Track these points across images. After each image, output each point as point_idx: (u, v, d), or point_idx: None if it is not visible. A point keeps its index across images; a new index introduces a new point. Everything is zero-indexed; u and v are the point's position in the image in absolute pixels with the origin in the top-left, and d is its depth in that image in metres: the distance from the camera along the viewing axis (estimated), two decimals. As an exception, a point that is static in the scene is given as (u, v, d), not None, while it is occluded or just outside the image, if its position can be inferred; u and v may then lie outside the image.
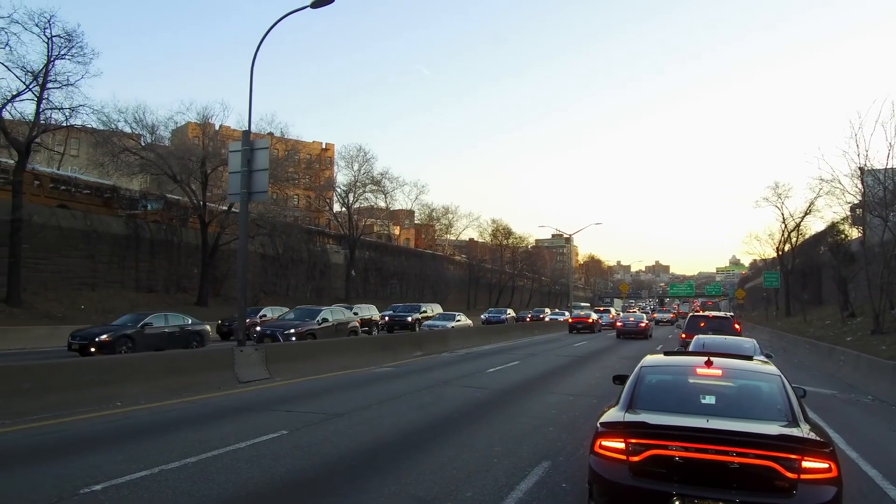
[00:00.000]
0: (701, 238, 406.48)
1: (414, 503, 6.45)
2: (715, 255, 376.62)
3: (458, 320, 37.17)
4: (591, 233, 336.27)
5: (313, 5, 17.85)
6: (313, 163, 70.73)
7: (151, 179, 46.80)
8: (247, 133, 17.58)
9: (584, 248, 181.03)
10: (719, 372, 6.38)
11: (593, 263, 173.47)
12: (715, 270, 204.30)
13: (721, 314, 29.62)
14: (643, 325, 40.15)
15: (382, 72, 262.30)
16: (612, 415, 5.64)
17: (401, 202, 72.79)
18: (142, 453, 8.15)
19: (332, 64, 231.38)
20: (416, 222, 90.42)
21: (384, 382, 16.15)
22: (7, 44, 29.76)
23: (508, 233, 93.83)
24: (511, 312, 54.32)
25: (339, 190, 63.95)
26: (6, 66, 30.38)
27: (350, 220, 61.71)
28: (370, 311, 35.99)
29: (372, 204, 65.65)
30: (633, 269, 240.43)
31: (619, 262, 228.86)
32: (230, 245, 42.47)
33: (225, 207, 42.27)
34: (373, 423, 10.68)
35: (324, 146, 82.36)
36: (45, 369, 11.78)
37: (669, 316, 76.70)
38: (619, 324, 41.58)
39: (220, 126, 48.36)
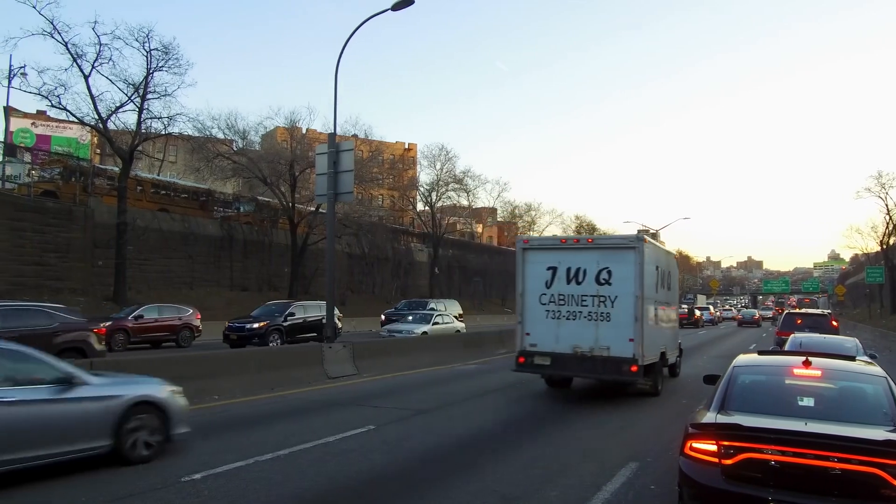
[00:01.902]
0: (796, 232, 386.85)
1: (498, 501, 6.48)
2: (812, 249, 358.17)
3: (437, 323, 27.53)
4: (679, 228, 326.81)
5: (394, 8, 18.15)
6: (396, 163, 71.71)
7: (243, 183, 48.71)
8: (332, 136, 18.08)
9: (672, 244, 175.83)
10: (818, 373, 6.10)
11: (681, 259, 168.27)
12: (812, 266, 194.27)
13: (817, 311, 28.49)
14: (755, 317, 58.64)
15: (462, 70, 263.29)
16: (704, 416, 5.48)
17: (483, 200, 72.84)
18: (238, 444, 8.54)
19: (412, 64, 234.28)
20: (498, 220, 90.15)
21: (468, 380, 16.26)
22: (110, 58, 31.69)
23: (592, 228, 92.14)
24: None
25: (422, 189, 64.64)
26: (110, 80, 32.40)
27: (433, 219, 62.28)
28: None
29: (454, 202, 66.01)
30: (724, 265, 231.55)
31: (708, 258, 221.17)
32: (318, 245, 43.62)
33: (313, 208, 43.37)
34: (457, 420, 10.78)
35: (406, 146, 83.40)
36: (146, 365, 12.52)
37: (770, 314, 76.91)
38: (738, 316, 60.72)
39: (307, 130, 49.69)
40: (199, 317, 25.98)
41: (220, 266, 41.66)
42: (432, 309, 32.84)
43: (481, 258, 74.38)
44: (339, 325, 26.47)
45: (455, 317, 32.57)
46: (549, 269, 13.28)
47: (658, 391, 13.76)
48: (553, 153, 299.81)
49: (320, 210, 40.41)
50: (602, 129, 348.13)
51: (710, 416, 5.40)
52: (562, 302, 13.06)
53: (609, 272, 12.65)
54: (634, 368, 12.10)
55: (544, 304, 13.27)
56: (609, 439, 9.38)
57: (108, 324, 21.64)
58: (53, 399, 6.80)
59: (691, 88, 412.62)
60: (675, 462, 5.85)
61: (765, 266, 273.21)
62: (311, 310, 25.50)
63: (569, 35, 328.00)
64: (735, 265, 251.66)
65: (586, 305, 12.81)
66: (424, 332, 25.07)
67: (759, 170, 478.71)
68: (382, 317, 35.08)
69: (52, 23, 29.54)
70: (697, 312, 52.61)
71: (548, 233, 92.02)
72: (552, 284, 13.18)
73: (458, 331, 28.78)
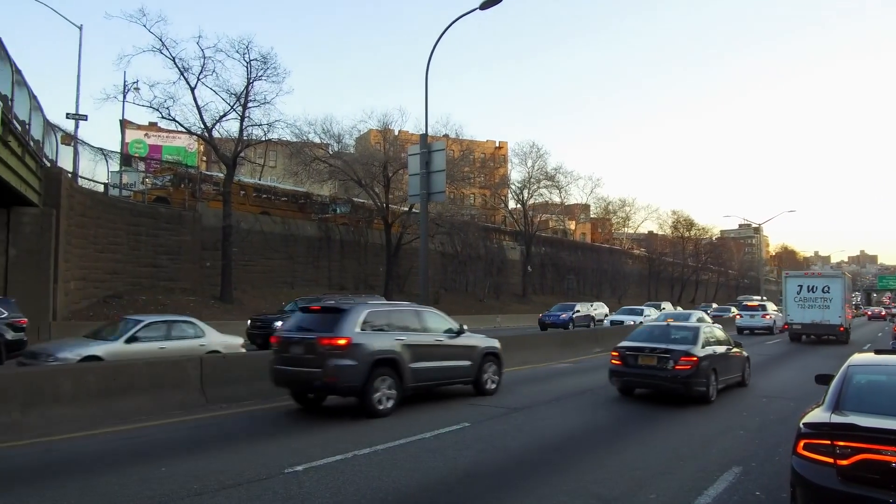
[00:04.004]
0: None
1: (595, 502, 6.42)
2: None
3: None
4: (784, 222, 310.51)
5: (482, 7, 18.16)
6: (487, 161, 71.77)
7: (339, 185, 50.09)
8: (424, 137, 18.31)
9: (776, 239, 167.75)
10: None
11: (786, 254, 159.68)
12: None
13: None
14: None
15: (551, 66, 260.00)
16: (817, 415, 5.28)
17: (575, 196, 71.84)
18: (337, 439, 8.82)
19: (502, 62, 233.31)
20: (591, 216, 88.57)
21: (563, 378, 16.10)
22: (214, 70, 33.36)
23: (690, 224, 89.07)
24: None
25: (513, 187, 64.44)
26: (214, 91, 34.22)
27: (525, 217, 61.97)
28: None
29: (546, 199, 65.43)
30: (833, 259, 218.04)
31: (816, 253, 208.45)
32: (412, 244, 44.26)
33: (406, 208, 44.08)
34: (551, 419, 10.71)
35: (497, 144, 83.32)
36: (254, 359, 13.14)
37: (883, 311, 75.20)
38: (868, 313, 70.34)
39: (399, 131, 50.54)
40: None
41: (318, 266, 43.06)
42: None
43: (574, 255, 73.31)
44: None
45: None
46: (798, 285, 30.39)
47: (849, 340, 29.65)
48: (649, 147, 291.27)
49: (413, 210, 41.03)
50: (700, 122, 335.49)
51: (823, 416, 5.19)
52: (805, 299, 29.88)
53: (828, 287, 29.77)
54: (842, 329, 29.30)
55: (797, 301, 30.08)
56: (711, 442, 9.06)
57: None
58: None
59: (795, 72, 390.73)
60: (782, 468, 5.97)
61: (879, 260, 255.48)
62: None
63: (662, 27, 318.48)
64: (846, 260, 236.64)
65: (817, 301, 29.64)
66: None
67: (873, 159, 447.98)
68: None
69: (160, 40, 31.42)
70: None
71: (642, 229, 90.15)
72: (800, 292, 30.05)
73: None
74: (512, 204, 66.78)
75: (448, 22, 18.98)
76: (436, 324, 12.53)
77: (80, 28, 31.76)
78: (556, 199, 65.97)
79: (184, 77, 32.37)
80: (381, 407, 10.53)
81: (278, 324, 19.43)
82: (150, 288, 31.12)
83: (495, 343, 13.67)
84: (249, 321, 23.64)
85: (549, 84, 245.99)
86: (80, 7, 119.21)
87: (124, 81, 36.08)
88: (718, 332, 14.36)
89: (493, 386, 13.24)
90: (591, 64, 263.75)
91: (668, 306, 44.90)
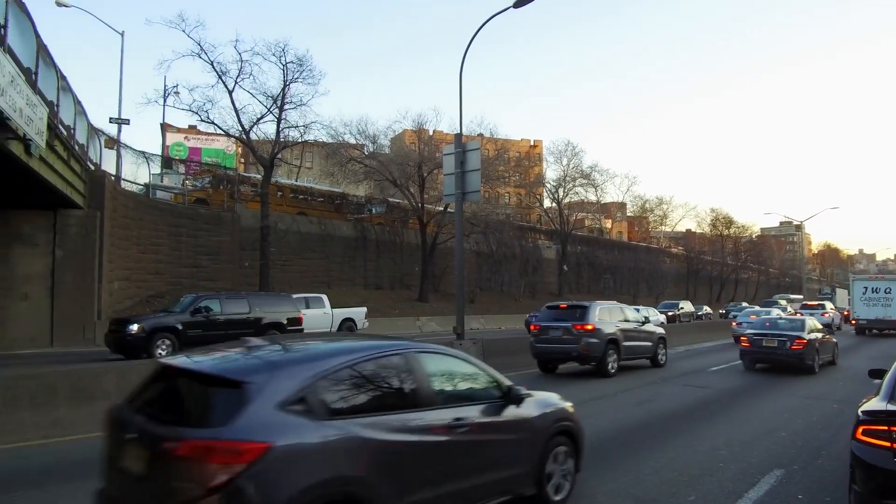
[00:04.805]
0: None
1: (633, 503, 6.36)
2: None
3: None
4: (827, 219, 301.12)
5: (515, 5, 18.06)
6: (522, 160, 71.49)
7: (375, 185, 50.43)
8: (458, 136, 18.30)
9: (819, 236, 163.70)
10: None
11: (829, 252, 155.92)
12: None
13: None
14: None
15: (587, 64, 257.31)
16: (874, 404, 5.71)
17: (612, 195, 71.14)
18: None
19: (536, 60, 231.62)
20: (628, 215, 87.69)
21: (600, 378, 15.97)
22: (251, 73, 33.87)
23: (729, 222, 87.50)
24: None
25: (548, 186, 64.00)
26: (251, 94, 34.69)
27: (560, 215, 61.54)
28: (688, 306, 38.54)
29: (582, 198, 64.85)
30: (879, 257, 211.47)
31: (860, 251, 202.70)
32: (447, 244, 44.34)
33: (441, 208, 44.15)
34: (588, 419, 10.57)
35: (532, 143, 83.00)
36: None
37: None
38: None
39: (434, 131, 50.64)
40: None
41: (354, 266, 43.41)
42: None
43: (611, 254, 72.56)
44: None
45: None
46: (864, 287, 35.37)
47: None
48: (687, 145, 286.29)
49: (448, 209, 41.09)
50: (741, 117, 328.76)
51: (880, 405, 5.60)
52: (870, 299, 34.65)
53: (889, 289, 34.31)
54: None
55: (862, 301, 34.93)
56: (751, 443, 8.89)
57: None
58: None
59: (838, 64, 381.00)
60: (825, 472, 6.88)
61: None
62: None
63: (695, 20, 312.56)
64: (892, 258, 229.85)
65: (880, 300, 34.31)
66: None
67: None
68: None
69: (199, 44, 31.96)
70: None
71: (680, 227, 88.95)
72: (865, 293, 34.89)
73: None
74: (547, 203, 66.42)
75: (482, 21, 18.90)
76: (632, 315, 18.19)
77: (122, 34, 32.54)
78: (592, 198, 65.34)
79: (222, 80, 32.91)
80: (611, 370, 16.08)
81: (134, 327, 17.49)
82: (190, 287, 31.70)
83: (664, 331, 19.69)
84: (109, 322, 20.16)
85: (584, 81, 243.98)
86: (122, 14, 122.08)
87: (164, 86, 36.86)
88: (817, 323, 19.72)
89: (664, 361, 18.82)
90: (627, 60, 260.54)
91: (686, 305, 49.03)
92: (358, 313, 28.91)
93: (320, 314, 25.99)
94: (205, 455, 3.80)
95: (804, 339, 17.12)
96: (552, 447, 6.08)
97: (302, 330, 21.45)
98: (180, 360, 4.81)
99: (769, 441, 9.08)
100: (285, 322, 20.88)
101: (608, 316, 16.79)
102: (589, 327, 15.90)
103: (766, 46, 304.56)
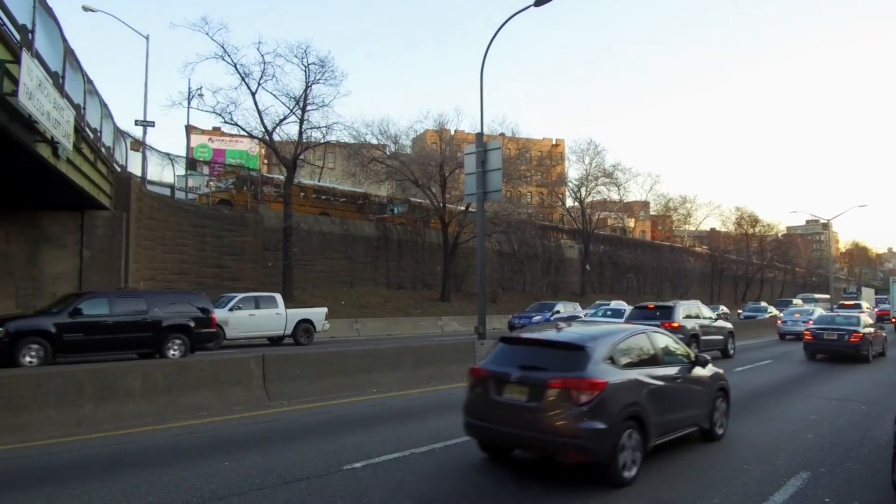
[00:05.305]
0: None
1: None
2: None
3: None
4: (855, 217, 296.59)
5: (537, 3, 18.00)
6: (544, 159, 71.23)
7: (396, 185, 50.58)
8: (479, 136, 18.27)
9: (846, 235, 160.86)
10: None
11: (858, 251, 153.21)
12: None
13: None
14: None
15: (608, 61, 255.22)
16: None
17: (634, 194, 70.93)
18: (396, 437, 8.90)
19: (557, 58, 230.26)
20: (651, 214, 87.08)
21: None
22: (273, 75, 34.20)
23: (755, 220, 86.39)
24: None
25: (570, 185, 63.70)
26: (274, 95, 35.14)
27: (583, 215, 61.19)
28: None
29: (605, 197, 64.46)
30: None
31: (889, 250, 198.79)
32: (469, 243, 44.32)
33: (463, 208, 44.11)
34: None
35: (554, 142, 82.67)
36: (317, 357, 13.40)
37: None
38: None
39: (455, 131, 50.65)
40: None
41: (376, 265, 43.56)
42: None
43: (634, 253, 72.00)
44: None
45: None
46: None
47: None
48: (711, 143, 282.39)
49: (470, 209, 41.04)
50: (765, 116, 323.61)
51: None
52: None
53: None
54: None
55: None
56: (777, 445, 8.74)
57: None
58: None
59: (866, 59, 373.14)
60: (853, 474, 7.22)
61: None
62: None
63: (721, 20, 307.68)
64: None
65: None
66: None
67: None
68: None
69: (223, 47, 32.37)
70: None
71: (704, 226, 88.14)
72: None
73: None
74: (569, 202, 66.11)
75: (503, 20, 18.83)
76: (707, 312, 21.46)
77: (147, 38, 32.96)
78: (615, 197, 64.89)
79: (245, 83, 33.24)
80: None
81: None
82: (214, 287, 32.01)
83: (731, 326, 22.77)
84: None
85: (606, 80, 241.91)
86: (147, 18, 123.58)
87: (189, 88, 37.48)
88: (869, 319, 22.71)
89: (732, 352, 21.50)
90: (651, 58, 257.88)
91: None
92: (317, 314, 26.25)
93: (272, 314, 24.29)
94: (577, 385, 6.59)
95: (860, 332, 19.51)
96: (716, 398, 8.92)
97: (215, 334, 19.67)
98: (544, 334, 8.03)
99: (797, 442, 8.96)
100: (192, 325, 18.31)
101: (689, 314, 19.95)
102: (675, 325, 18.36)
103: (794, 39, 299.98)
